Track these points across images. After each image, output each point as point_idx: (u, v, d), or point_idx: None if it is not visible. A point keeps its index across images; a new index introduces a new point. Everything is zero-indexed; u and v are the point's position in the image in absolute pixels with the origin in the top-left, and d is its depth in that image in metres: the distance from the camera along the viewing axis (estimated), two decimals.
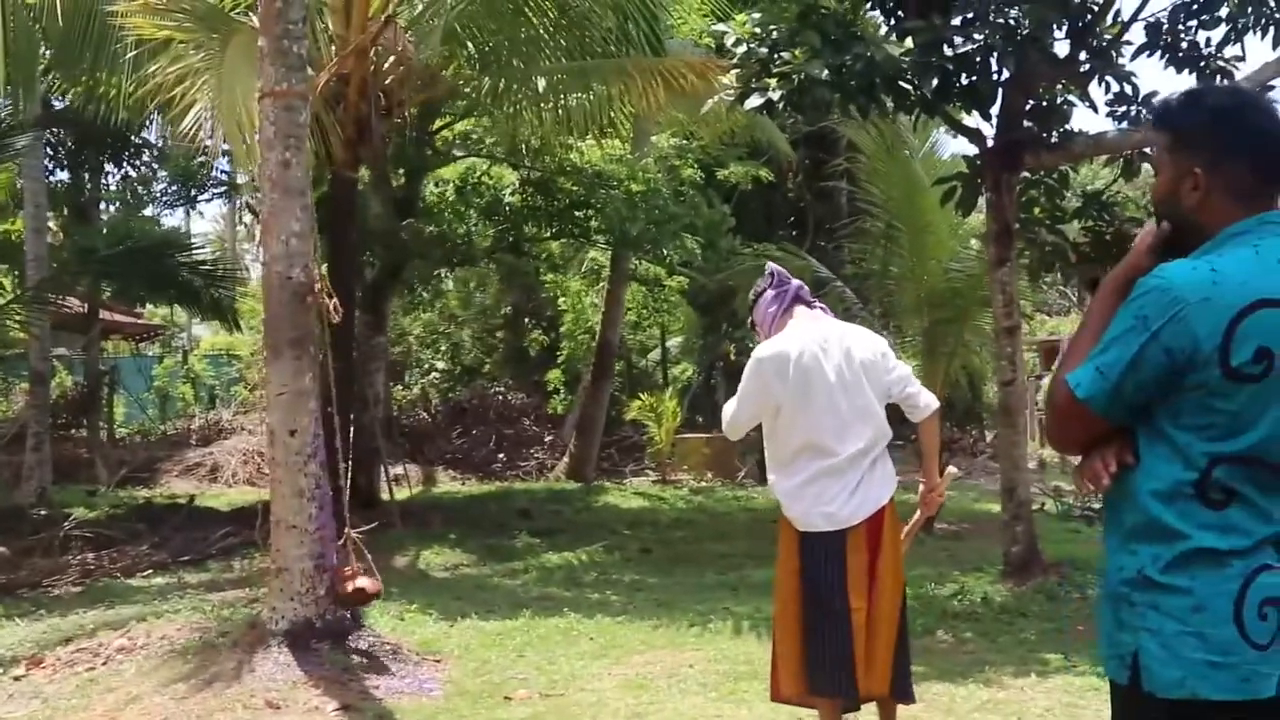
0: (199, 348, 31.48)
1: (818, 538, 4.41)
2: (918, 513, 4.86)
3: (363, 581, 6.81)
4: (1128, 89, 8.97)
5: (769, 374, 4.48)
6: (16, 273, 16.71)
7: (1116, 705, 2.36)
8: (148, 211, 20.37)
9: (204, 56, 9.02)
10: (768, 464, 4.66)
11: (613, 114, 12.24)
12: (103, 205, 20.21)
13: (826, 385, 4.43)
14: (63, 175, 19.26)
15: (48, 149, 17.18)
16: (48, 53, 11.04)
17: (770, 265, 4.79)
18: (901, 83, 8.48)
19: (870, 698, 4.51)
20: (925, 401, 4.65)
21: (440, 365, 24.95)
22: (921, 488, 4.88)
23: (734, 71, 8.72)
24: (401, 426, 20.36)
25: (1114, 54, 8.95)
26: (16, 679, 6.72)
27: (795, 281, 4.73)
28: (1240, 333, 2.15)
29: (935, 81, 8.32)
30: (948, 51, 8.36)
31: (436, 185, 16.72)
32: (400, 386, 23.47)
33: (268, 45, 6.92)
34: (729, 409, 4.70)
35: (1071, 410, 2.31)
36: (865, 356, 4.53)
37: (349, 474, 8.20)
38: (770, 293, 4.66)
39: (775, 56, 8.22)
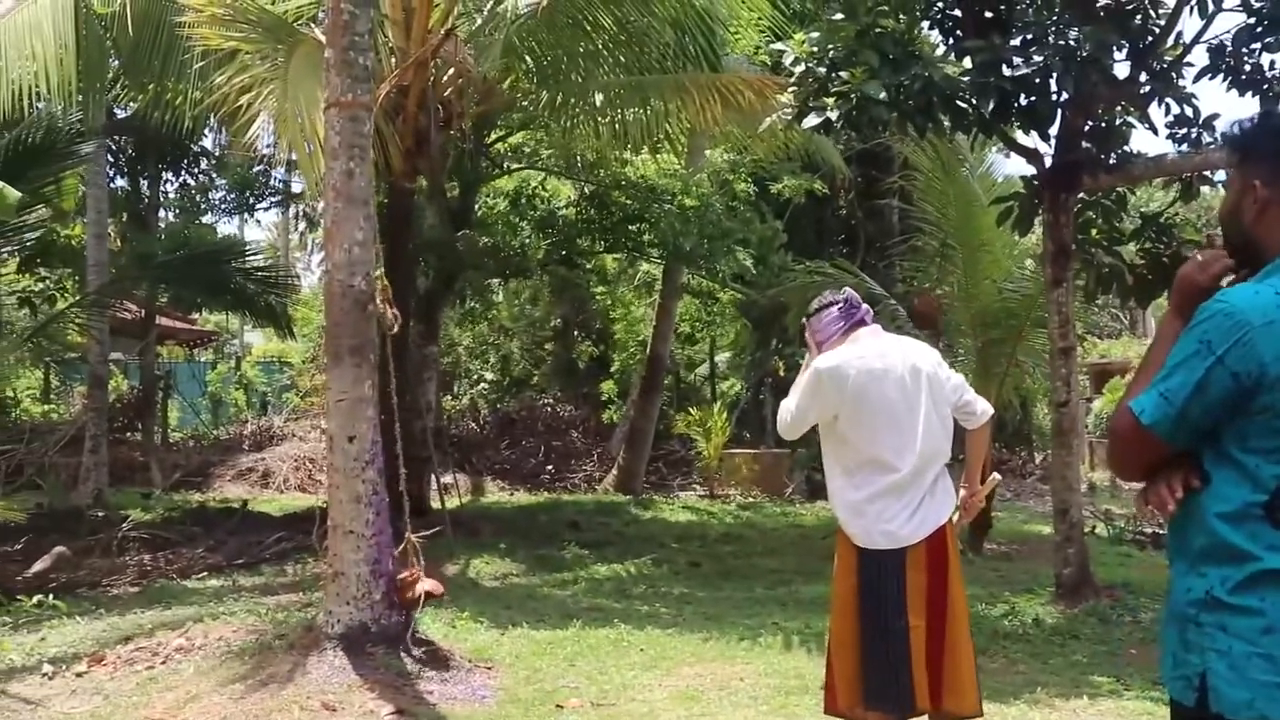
0: (251, 354, 31.84)
1: (877, 555, 4.43)
2: (956, 515, 4.87)
3: (429, 583, 6.93)
4: (1188, 111, 8.94)
5: (827, 386, 4.51)
6: (77, 277, 17.01)
7: None
8: (205, 219, 20.68)
9: (269, 67, 9.18)
10: (828, 478, 4.69)
11: (669, 129, 12.32)
12: (161, 212, 20.54)
13: (887, 400, 4.46)
14: (122, 182, 19.63)
15: (109, 156, 17.49)
16: (116, 62, 11.27)
17: (847, 290, 4.80)
18: (959, 102, 8.51)
19: (925, 712, 4.53)
20: (981, 409, 4.72)
21: (489, 376, 25.11)
22: (963, 492, 4.90)
23: (791, 90, 8.75)
24: (450, 436, 20.51)
25: (1175, 76, 8.93)
26: (79, 675, 6.86)
27: (865, 307, 4.76)
28: None
29: (994, 102, 8.33)
30: (1006, 72, 8.38)
31: (491, 197, 16.86)
32: (449, 396, 23.68)
33: (334, 56, 7.05)
34: (787, 409, 4.73)
35: (1136, 436, 2.34)
36: (928, 369, 4.57)
37: (405, 480, 8.34)
38: (836, 310, 4.68)
39: (833, 76, 8.25)
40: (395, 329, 7.38)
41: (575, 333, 24.45)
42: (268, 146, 9.63)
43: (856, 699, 4.50)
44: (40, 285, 17.19)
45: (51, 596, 8.52)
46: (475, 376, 25.48)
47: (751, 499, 17.65)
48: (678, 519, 15.42)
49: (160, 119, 11.17)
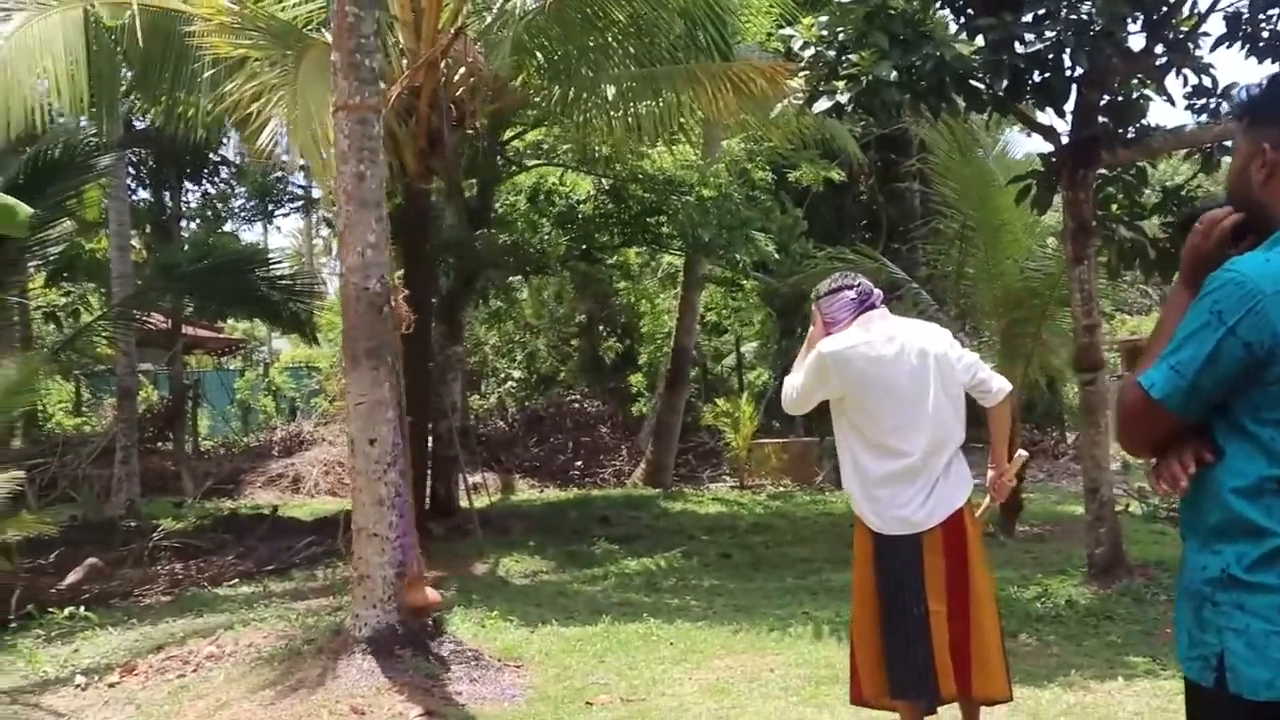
0: (280, 360, 31.95)
1: (893, 541, 4.39)
2: (986, 499, 4.81)
3: (424, 593, 6.88)
4: (1206, 81, 8.82)
5: (831, 370, 4.48)
6: (103, 290, 17.11)
7: (1197, 708, 2.31)
8: (227, 227, 20.74)
9: (279, 73, 9.17)
10: (841, 464, 4.64)
11: (682, 120, 12.26)
12: (185, 222, 20.63)
13: (896, 385, 4.42)
14: (145, 194, 19.74)
15: (130, 168, 17.56)
16: (129, 74, 11.27)
17: (862, 278, 4.73)
18: (973, 81, 8.42)
19: (952, 699, 4.48)
20: (997, 386, 4.63)
21: (516, 374, 25.11)
22: (990, 473, 4.82)
23: (802, 75, 8.68)
24: (478, 435, 20.54)
25: (1191, 46, 8.79)
26: (111, 686, 6.90)
27: (878, 292, 4.70)
28: None
29: (1007, 80, 8.23)
30: (1019, 49, 8.28)
31: (511, 195, 16.82)
32: (477, 396, 23.77)
33: (341, 60, 7.03)
34: (793, 385, 4.68)
35: (1145, 411, 2.28)
36: (937, 351, 4.51)
37: (427, 482, 8.32)
38: (850, 294, 4.62)
39: (843, 59, 8.19)
40: (410, 329, 7.35)
41: (600, 328, 24.40)
42: (285, 154, 9.61)
43: (882, 688, 4.45)
44: (65, 299, 17.28)
45: (84, 608, 8.55)
46: (503, 375, 25.47)
47: (782, 488, 17.57)
48: (708, 511, 15.37)
49: (174, 130, 11.18)
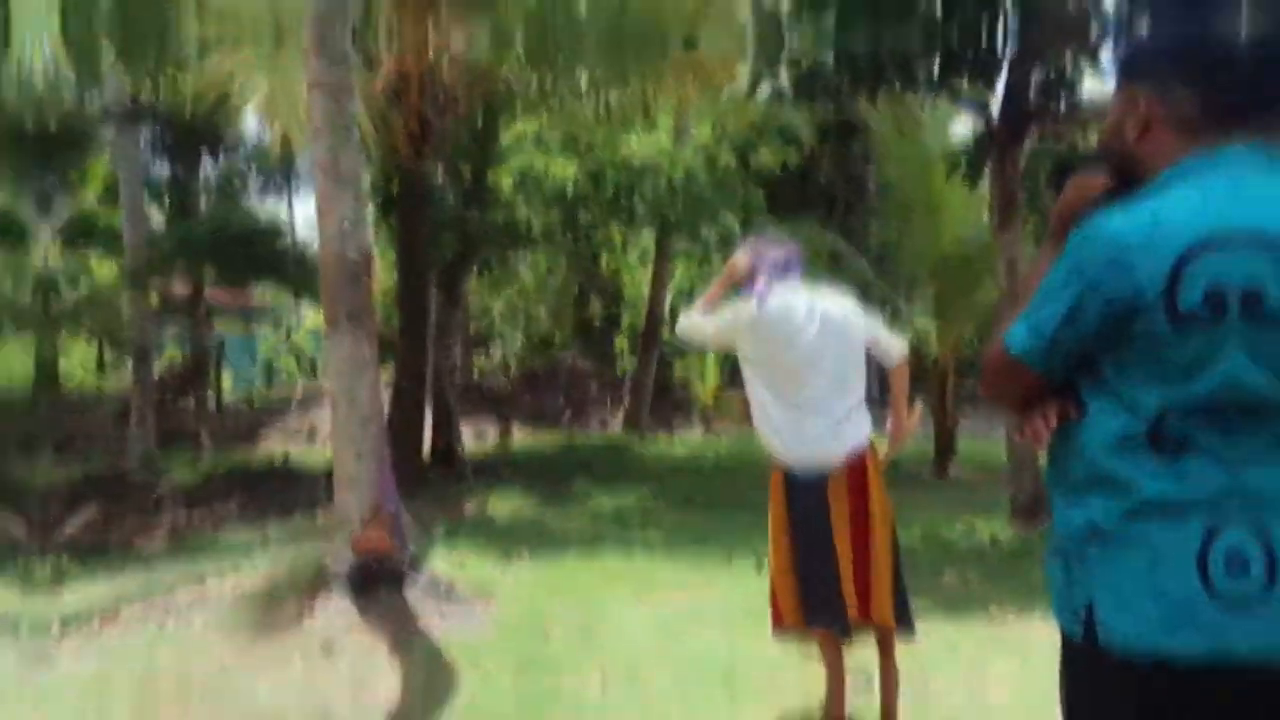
0: (306, 324, 31.38)
1: (802, 480, 4.24)
2: (886, 449, 4.60)
3: (372, 536, 6.59)
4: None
5: (743, 331, 4.34)
6: (118, 259, 16.63)
7: (1068, 661, 2.05)
8: (248, 200, 20.21)
9: (262, 51, 8.77)
10: (752, 405, 4.47)
11: (650, 108, 11.97)
12: (205, 196, 20.07)
13: (803, 345, 4.23)
14: (165, 168, 19.13)
15: (150, 142, 16.96)
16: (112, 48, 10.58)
17: (776, 246, 4.48)
18: (909, 62, 8.06)
19: (867, 627, 4.29)
20: (897, 349, 4.46)
21: (519, 337, 25.49)
22: (890, 425, 4.61)
23: (748, 61, 8.38)
24: (482, 391, 20.89)
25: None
26: (91, 635, 6.42)
27: (791, 260, 4.41)
28: (1187, 275, 1.81)
29: (939, 59, 7.91)
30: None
31: (512, 177, 16.62)
32: (484, 356, 24.59)
33: (312, 38, 6.67)
34: (697, 328, 4.50)
35: (1005, 367, 2.03)
36: (840, 315, 4.31)
37: (424, 434, 7.99)
38: (765, 259, 4.40)
39: (784, 45, 7.87)
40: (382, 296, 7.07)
41: (590, 295, 24.63)
42: (265, 129, 9.17)
43: (798, 618, 4.30)
44: (66, 268, 16.71)
45: (71, 557, 8.12)
46: (508, 337, 25.73)
47: (747, 435, 17.38)
48: (676, 455, 15.27)
49: (161, 104, 10.60)
